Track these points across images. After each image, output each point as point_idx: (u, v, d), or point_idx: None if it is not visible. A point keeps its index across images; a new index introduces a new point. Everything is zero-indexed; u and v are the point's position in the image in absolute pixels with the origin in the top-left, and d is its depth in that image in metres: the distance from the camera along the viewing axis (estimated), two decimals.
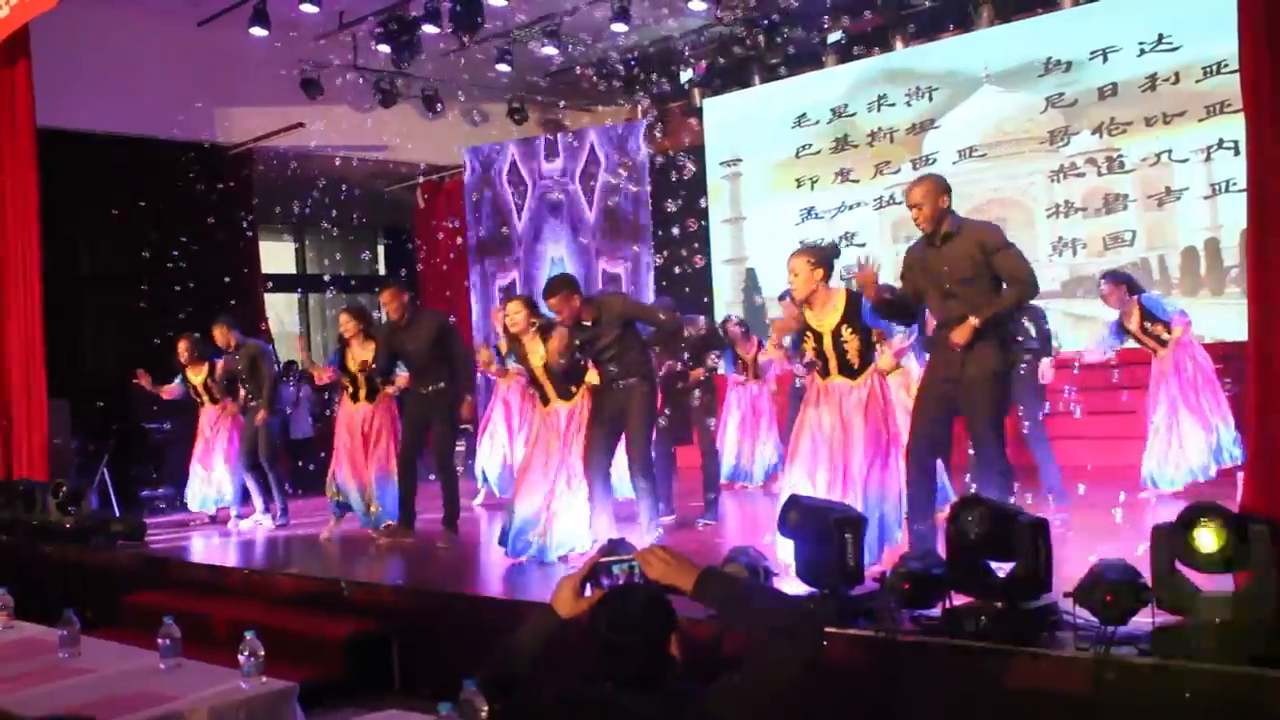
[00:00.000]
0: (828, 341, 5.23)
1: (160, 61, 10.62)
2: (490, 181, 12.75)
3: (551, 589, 2.52)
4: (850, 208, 11.39)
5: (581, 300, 6.06)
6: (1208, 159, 9.26)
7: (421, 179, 13.63)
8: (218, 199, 11.23)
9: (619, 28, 10.44)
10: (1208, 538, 3.45)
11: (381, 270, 16.58)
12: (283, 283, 15.30)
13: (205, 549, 7.83)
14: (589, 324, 6.07)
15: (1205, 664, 3.36)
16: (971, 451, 5.06)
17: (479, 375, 8.75)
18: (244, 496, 8.70)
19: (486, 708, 2.37)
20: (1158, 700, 3.41)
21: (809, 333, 5.29)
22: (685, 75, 12.59)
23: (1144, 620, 3.55)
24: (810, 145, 11.73)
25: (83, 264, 10.95)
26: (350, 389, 7.69)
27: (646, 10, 10.66)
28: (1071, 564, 4.32)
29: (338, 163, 11.98)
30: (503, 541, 6.25)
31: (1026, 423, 6.86)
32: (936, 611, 3.94)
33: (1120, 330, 7.35)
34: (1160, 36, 9.49)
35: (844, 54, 11.46)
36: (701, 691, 2.20)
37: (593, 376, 6.21)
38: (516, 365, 7.47)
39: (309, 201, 11.63)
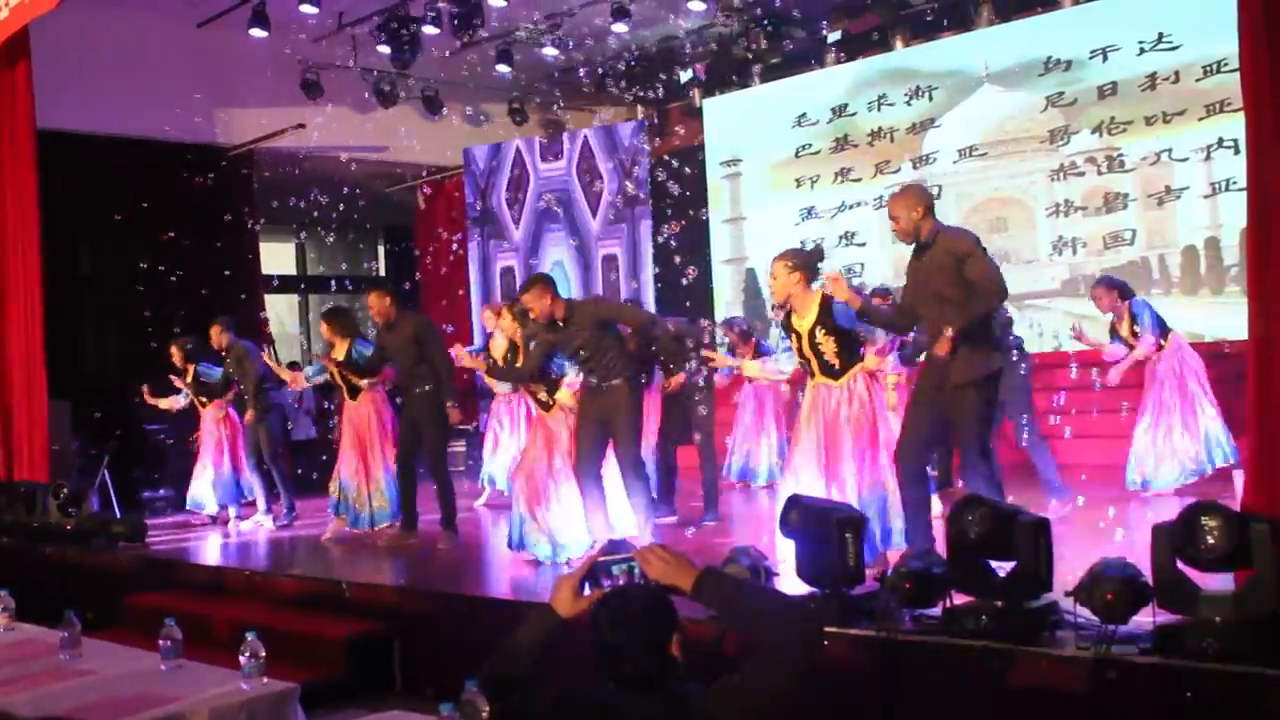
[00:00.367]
0: (806, 343, 5.34)
1: (160, 62, 10.62)
2: (491, 181, 12.77)
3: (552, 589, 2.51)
4: (850, 207, 11.39)
5: (554, 299, 6.13)
6: (1208, 158, 9.25)
7: (422, 179, 13.64)
8: (218, 200, 11.23)
9: (619, 28, 10.44)
10: (1209, 536, 3.45)
11: (382, 271, 16.57)
12: (283, 283, 15.29)
13: (206, 550, 7.84)
14: (561, 324, 6.14)
15: (1206, 663, 3.36)
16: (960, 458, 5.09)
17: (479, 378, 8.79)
18: (239, 496, 8.75)
19: (488, 708, 2.37)
20: (1158, 700, 3.41)
21: (793, 335, 5.42)
22: (685, 75, 12.59)
23: (1145, 619, 3.55)
24: (810, 145, 11.73)
25: (83, 265, 10.94)
26: (345, 389, 7.76)
27: (647, 10, 10.66)
28: (1072, 563, 4.32)
29: (340, 163, 11.98)
30: (510, 544, 6.31)
31: (1024, 431, 6.86)
32: (937, 611, 3.94)
33: (1114, 334, 7.37)
34: (1160, 35, 9.49)
35: (844, 54, 11.46)
36: (701, 692, 2.20)
37: (564, 395, 6.28)
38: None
39: (309, 202, 11.63)
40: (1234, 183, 8.94)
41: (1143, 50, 9.60)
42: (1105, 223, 9.87)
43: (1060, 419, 8.61)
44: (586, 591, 2.44)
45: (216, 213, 11.22)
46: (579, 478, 6.12)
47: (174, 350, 8.79)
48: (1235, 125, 8.38)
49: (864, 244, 11.07)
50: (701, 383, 7.49)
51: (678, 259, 10.64)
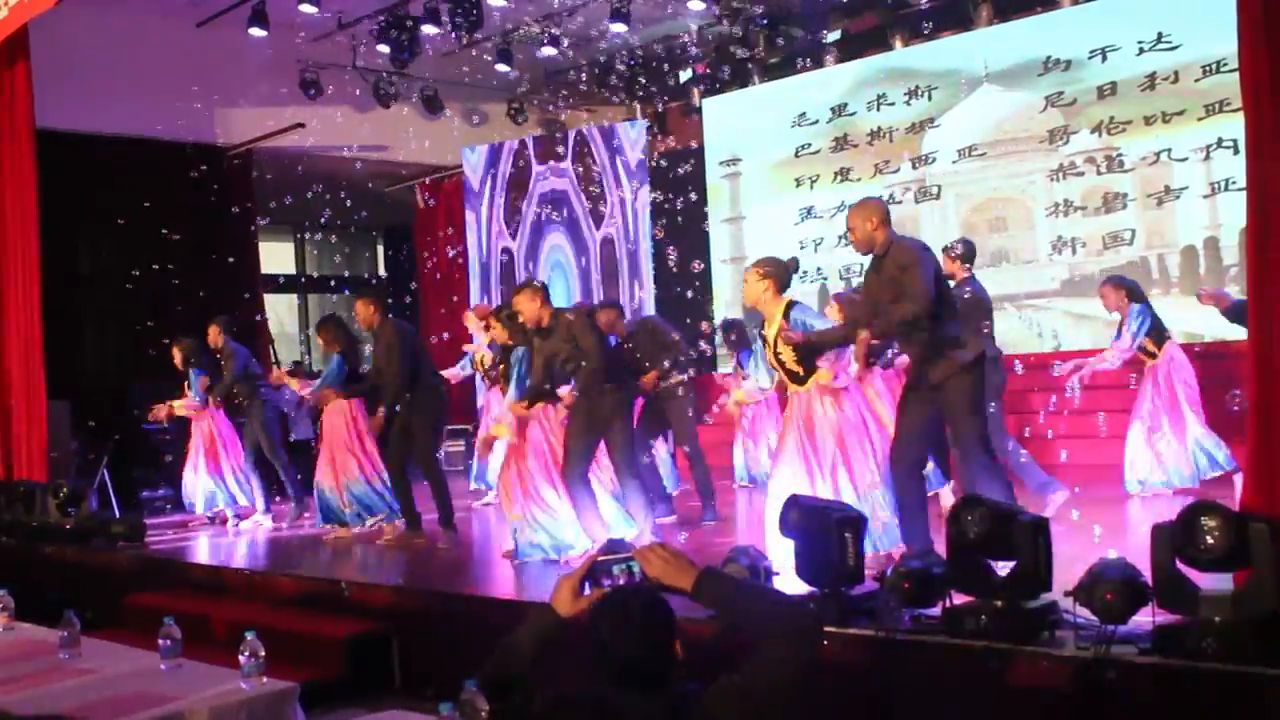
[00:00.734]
0: (771, 351, 5.50)
1: (160, 62, 10.62)
2: (490, 182, 12.77)
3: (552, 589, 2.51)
4: (850, 207, 11.37)
5: (543, 305, 6.22)
6: (1207, 158, 9.25)
7: (422, 179, 13.64)
8: (217, 200, 11.23)
9: (618, 28, 10.44)
10: (1208, 536, 3.45)
11: (381, 271, 16.57)
12: (283, 283, 15.29)
13: (205, 550, 7.84)
14: (546, 331, 6.21)
15: (1205, 663, 3.36)
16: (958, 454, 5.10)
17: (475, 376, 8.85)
18: (231, 500, 8.77)
19: (487, 708, 2.37)
20: (1158, 699, 3.41)
21: (765, 342, 5.61)
22: (685, 75, 12.59)
23: (1144, 619, 3.55)
24: (810, 145, 11.73)
25: (82, 265, 10.94)
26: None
27: (646, 10, 10.66)
28: (1071, 563, 4.32)
29: (339, 163, 11.98)
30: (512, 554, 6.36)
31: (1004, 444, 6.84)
32: (936, 610, 3.94)
33: (1119, 334, 7.34)
34: (1160, 35, 9.49)
35: (843, 53, 11.46)
36: (701, 691, 2.20)
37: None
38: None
39: (309, 201, 11.63)
40: (1233, 183, 8.94)
41: (1142, 50, 9.60)
42: (1104, 223, 9.87)
43: (1052, 419, 8.60)
44: (586, 591, 2.44)
45: (216, 213, 11.22)
46: (567, 483, 6.16)
47: (176, 352, 8.82)
48: (1235, 125, 8.39)
49: None
50: (680, 390, 7.51)
51: (677, 259, 10.64)
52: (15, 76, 8.66)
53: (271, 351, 11.49)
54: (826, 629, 3.87)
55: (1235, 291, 8.64)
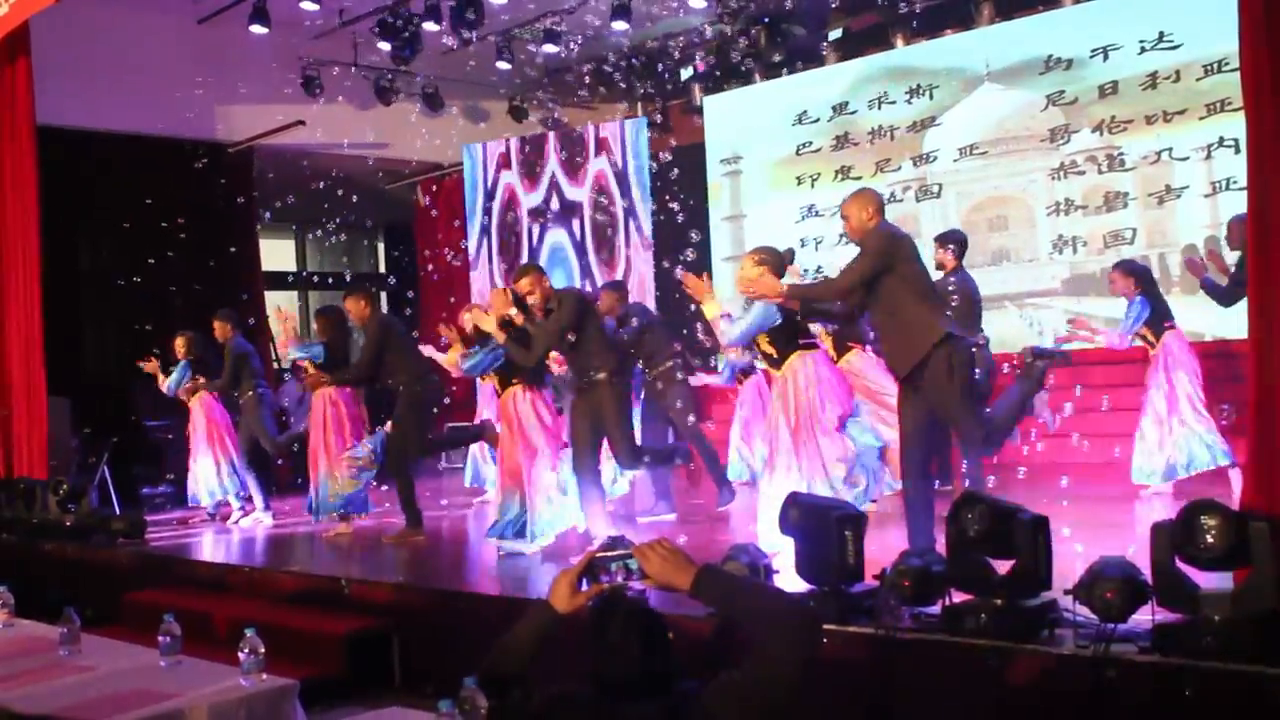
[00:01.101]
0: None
1: (160, 59, 10.62)
2: (491, 178, 12.76)
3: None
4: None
5: (549, 286, 6.30)
6: (1208, 157, 9.25)
7: (422, 177, 13.63)
8: (218, 197, 11.22)
9: (619, 25, 10.43)
10: (1207, 535, 3.45)
11: (382, 268, 16.57)
12: (283, 280, 15.28)
13: (206, 546, 7.84)
14: (551, 310, 6.25)
15: (1205, 662, 3.36)
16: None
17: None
18: (239, 486, 8.78)
19: (486, 704, 2.36)
20: (1158, 698, 3.41)
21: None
22: (686, 73, 12.58)
23: (1144, 618, 3.55)
24: (811, 143, 11.72)
25: (83, 261, 10.94)
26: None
27: (647, 8, 10.66)
28: (1071, 561, 4.32)
29: (340, 160, 11.98)
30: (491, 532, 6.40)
31: None
32: (936, 609, 3.94)
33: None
34: (1161, 34, 9.49)
35: (845, 51, 11.45)
36: (700, 689, 2.20)
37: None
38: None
39: (309, 198, 11.63)
40: (1234, 182, 8.94)
41: (1143, 49, 9.60)
42: (1105, 221, 9.87)
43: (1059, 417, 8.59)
44: (584, 587, 2.44)
45: (217, 210, 11.22)
46: (578, 474, 6.25)
47: (179, 343, 8.79)
48: (1236, 124, 8.38)
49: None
50: (678, 374, 7.56)
51: (678, 257, 10.62)
52: (16, 73, 8.66)
53: (272, 349, 11.49)
54: (826, 627, 3.87)
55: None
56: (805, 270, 10.12)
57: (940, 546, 4.31)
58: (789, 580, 4.44)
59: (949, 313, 5.55)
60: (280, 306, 8.14)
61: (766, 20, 10.95)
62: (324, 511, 7.80)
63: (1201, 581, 3.57)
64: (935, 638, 3.86)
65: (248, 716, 3.27)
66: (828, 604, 4.11)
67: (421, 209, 13.90)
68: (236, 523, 8.63)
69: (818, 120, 11.65)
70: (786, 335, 5.53)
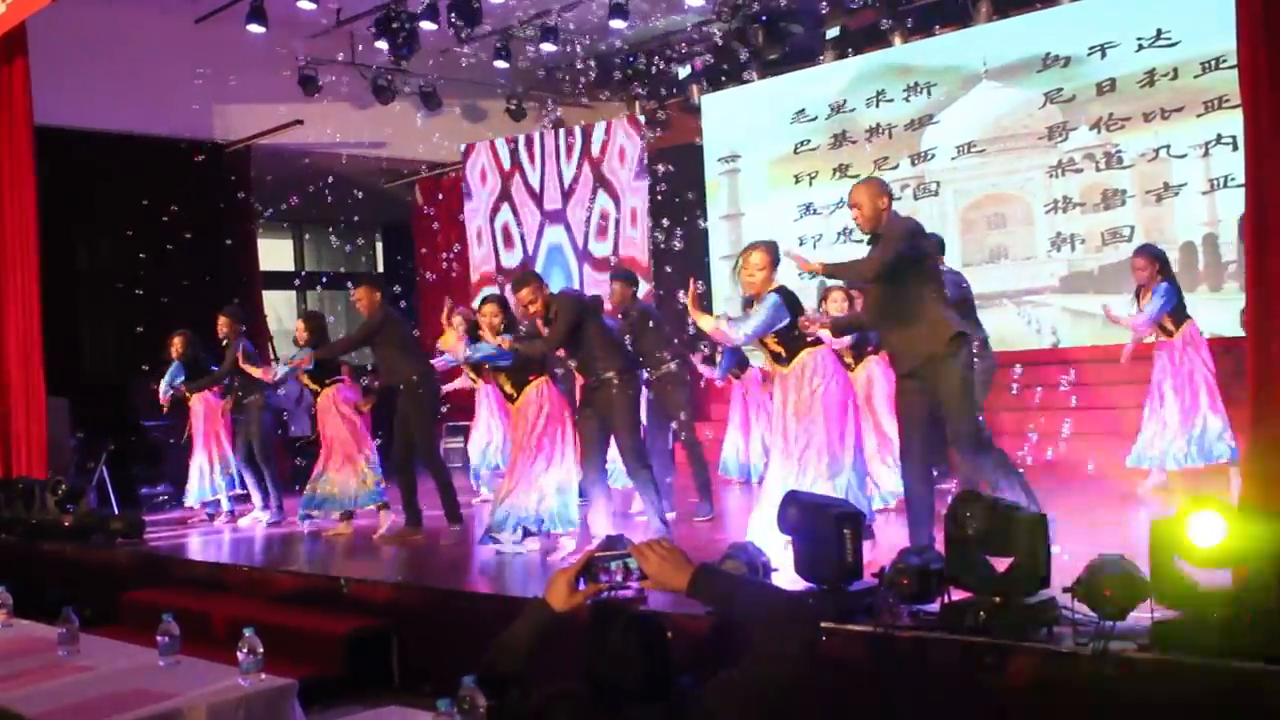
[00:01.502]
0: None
1: (158, 58, 10.61)
2: (489, 178, 12.76)
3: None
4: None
5: (547, 294, 6.28)
6: (1206, 154, 9.25)
7: (421, 176, 13.63)
8: (216, 196, 11.22)
9: (617, 24, 10.43)
10: (1206, 532, 3.45)
11: (380, 267, 16.56)
12: (281, 280, 15.27)
13: (204, 546, 7.83)
14: (549, 317, 6.25)
15: (1204, 659, 3.36)
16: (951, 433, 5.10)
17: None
18: (233, 485, 8.78)
19: (485, 703, 2.37)
20: (1157, 695, 3.41)
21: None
22: (683, 71, 12.57)
23: (1143, 615, 3.55)
24: (809, 141, 11.72)
25: (80, 261, 10.94)
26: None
27: (645, 7, 10.65)
28: (1070, 559, 4.32)
29: (337, 159, 11.97)
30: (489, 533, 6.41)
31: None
32: (935, 607, 3.94)
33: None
34: (1159, 32, 9.49)
35: (842, 50, 11.45)
36: (700, 688, 2.20)
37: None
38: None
39: (307, 198, 11.62)
40: (1232, 179, 8.93)
41: (1141, 46, 9.60)
42: (1103, 219, 9.87)
43: (1051, 415, 8.59)
44: (582, 586, 2.44)
45: (214, 209, 11.21)
46: (585, 474, 6.29)
47: (176, 341, 8.78)
48: (1234, 121, 8.37)
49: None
50: (679, 373, 7.55)
51: (676, 256, 10.62)
52: (14, 73, 8.66)
53: (270, 348, 11.48)
54: (825, 625, 3.87)
55: (1235, 288, 8.66)
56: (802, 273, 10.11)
57: (939, 544, 4.31)
58: (788, 579, 4.44)
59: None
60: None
61: (764, 18, 10.94)
62: (307, 508, 7.75)
63: (1200, 579, 3.56)
64: (934, 636, 3.86)
65: (246, 716, 3.27)
66: (827, 602, 4.11)
67: (419, 207, 13.90)
68: (234, 522, 8.62)
69: (816, 118, 11.65)
70: (795, 334, 5.48)
